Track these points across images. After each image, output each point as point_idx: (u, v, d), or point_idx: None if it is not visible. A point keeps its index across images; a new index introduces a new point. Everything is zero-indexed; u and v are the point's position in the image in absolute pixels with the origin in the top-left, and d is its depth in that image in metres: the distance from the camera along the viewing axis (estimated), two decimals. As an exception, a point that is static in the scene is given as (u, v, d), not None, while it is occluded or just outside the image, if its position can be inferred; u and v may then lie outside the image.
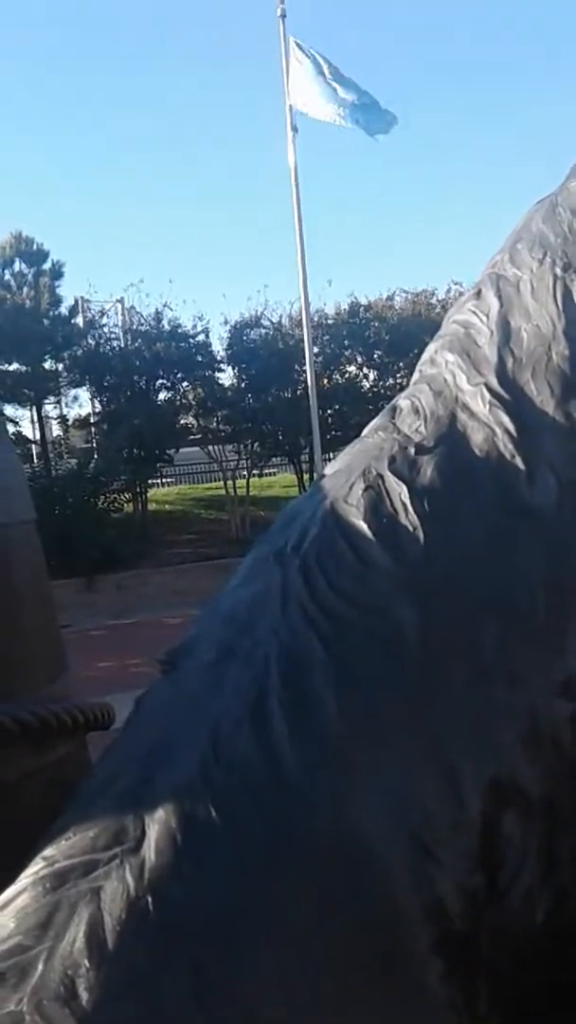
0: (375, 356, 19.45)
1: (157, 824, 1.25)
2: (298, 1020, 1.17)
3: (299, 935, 1.20)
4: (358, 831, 1.28)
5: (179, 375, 18.74)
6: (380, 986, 1.23)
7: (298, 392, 17.95)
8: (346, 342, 19.60)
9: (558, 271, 1.71)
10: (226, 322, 19.33)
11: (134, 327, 19.08)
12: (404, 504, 1.54)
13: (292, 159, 15.79)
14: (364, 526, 1.53)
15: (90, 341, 18.67)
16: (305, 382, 17.03)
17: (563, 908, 1.40)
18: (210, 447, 19.55)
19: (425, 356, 1.89)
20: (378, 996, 1.23)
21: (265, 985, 1.17)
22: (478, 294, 1.83)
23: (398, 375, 19.01)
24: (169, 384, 18.90)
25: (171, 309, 19.05)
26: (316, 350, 18.06)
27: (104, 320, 19.55)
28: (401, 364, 18.83)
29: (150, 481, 19.53)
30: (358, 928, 1.23)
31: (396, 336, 18.74)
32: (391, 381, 19.03)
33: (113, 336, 19.30)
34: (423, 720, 1.37)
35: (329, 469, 1.81)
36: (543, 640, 1.44)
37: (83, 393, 19.44)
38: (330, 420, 18.22)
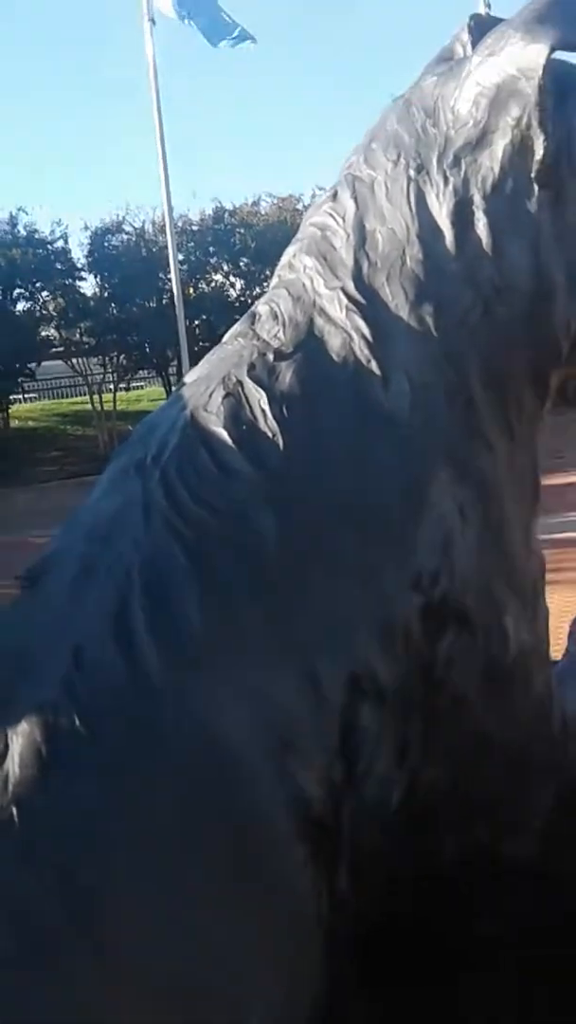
0: (241, 264, 19.11)
1: (20, 737, 1.25)
2: (165, 914, 1.21)
3: (163, 834, 1.24)
4: (222, 731, 1.31)
5: (38, 284, 17.87)
6: (244, 874, 1.29)
7: (163, 302, 17.49)
8: (211, 249, 19.14)
9: (412, 173, 1.71)
10: (86, 227, 18.48)
11: (-13, 232, 17.99)
12: (263, 411, 1.54)
13: (150, 53, 14.98)
14: (224, 434, 1.52)
15: None
16: (170, 291, 16.60)
17: (416, 791, 1.49)
18: (74, 360, 18.87)
19: (283, 260, 1.87)
20: (243, 883, 1.28)
21: (131, 885, 1.20)
22: (334, 196, 1.80)
23: (265, 284, 18.72)
24: (27, 294, 18.02)
25: (27, 213, 18.03)
26: (181, 257, 17.57)
27: (-47, 224, 18.30)
28: (268, 272, 18.53)
29: (11, 397, 18.77)
30: (222, 821, 1.28)
31: (262, 243, 18.42)
32: (258, 290, 18.77)
33: (-36, 242, 18.14)
34: (283, 622, 1.40)
35: (189, 377, 1.79)
36: (396, 539, 1.49)
37: None
38: (197, 331, 17.89)
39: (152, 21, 14.73)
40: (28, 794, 1.20)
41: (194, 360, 17.25)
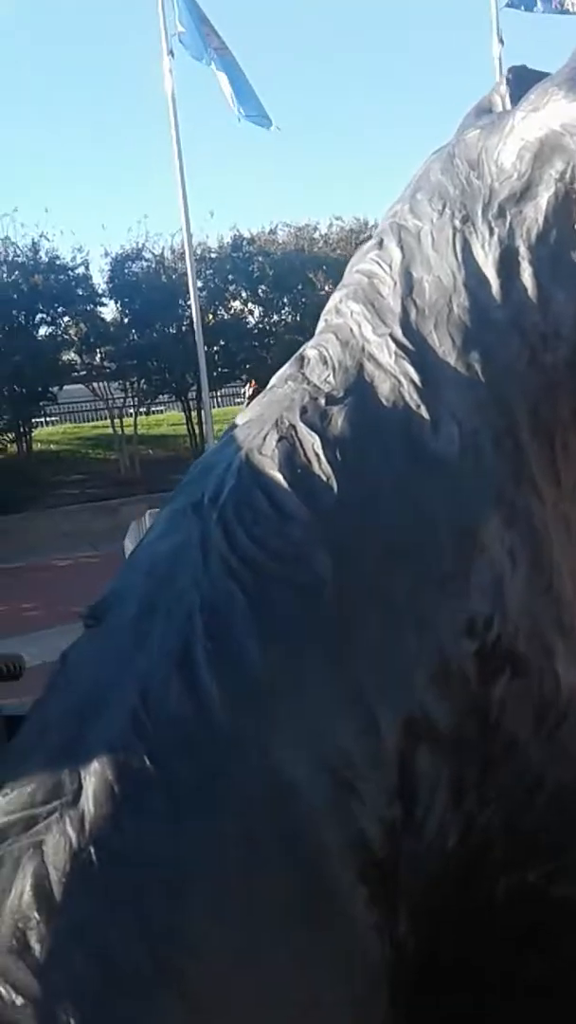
0: (259, 291, 19.23)
1: (93, 777, 1.28)
2: (237, 956, 1.24)
3: (233, 876, 1.27)
4: (284, 772, 1.34)
5: (59, 309, 18.05)
6: (311, 917, 1.31)
7: (183, 328, 17.61)
8: (230, 276, 19.28)
9: (457, 223, 1.75)
10: (107, 254, 18.66)
11: (10, 258, 18.21)
12: (317, 454, 1.58)
13: (169, 86, 15.19)
14: (279, 476, 1.57)
15: (-38, 274, 17.74)
16: (190, 317, 16.73)
17: (470, 833, 1.51)
18: (95, 384, 19.02)
19: (330, 305, 1.92)
20: (310, 926, 1.31)
21: (205, 926, 1.23)
22: (380, 243, 1.85)
23: (283, 311, 18.90)
24: (49, 319, 18.20)
25: (48, 240, 18.23)
26: (200, 284, 17.72)
27: (-23, 252, 18.53)
28: (285, 300, 18.71)
29: (34, 420, 18.91)
30: (288, 864, 1.31)
31: (280, 271, 18.56)
32: (276, 317, 18.89)
33: (-13, 269, 18.36)
34: (341, 664, 1.44)
35: (240, 419, 1.83)
36: (449, 583, 1.52)
37: (-43, 329, 18.51)
38: (216, 357, 17.99)
39: (171, 54, 14.96)
40: (104, 835, 1.24)
41: (213, 385, 17.35)
